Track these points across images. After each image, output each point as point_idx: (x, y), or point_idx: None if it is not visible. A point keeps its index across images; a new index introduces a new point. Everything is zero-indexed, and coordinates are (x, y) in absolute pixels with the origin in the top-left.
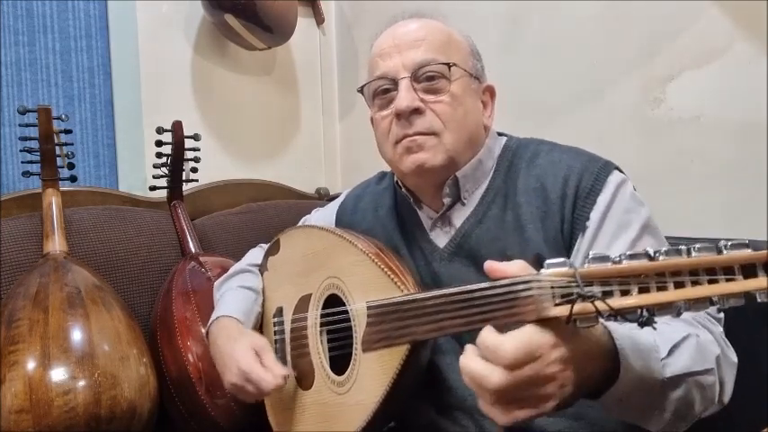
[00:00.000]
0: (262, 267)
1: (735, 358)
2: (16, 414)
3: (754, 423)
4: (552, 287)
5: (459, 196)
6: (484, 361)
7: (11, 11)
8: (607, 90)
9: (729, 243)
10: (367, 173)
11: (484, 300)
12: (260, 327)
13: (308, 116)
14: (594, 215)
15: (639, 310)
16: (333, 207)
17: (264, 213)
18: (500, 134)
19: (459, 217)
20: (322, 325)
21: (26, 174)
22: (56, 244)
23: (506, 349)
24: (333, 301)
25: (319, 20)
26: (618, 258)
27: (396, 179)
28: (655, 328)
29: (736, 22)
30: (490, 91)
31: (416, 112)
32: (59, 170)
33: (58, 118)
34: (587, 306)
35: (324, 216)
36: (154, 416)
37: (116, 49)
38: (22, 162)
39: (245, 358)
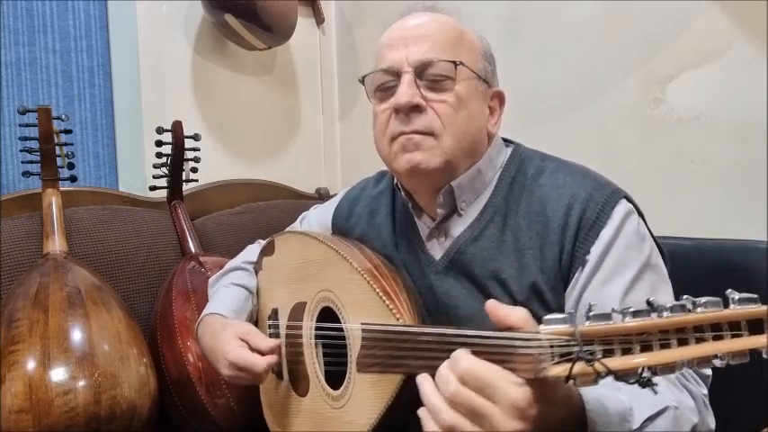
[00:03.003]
0: (257, 266)
1: (713, 424)
2: (16, 414)
3: (754, 423)
4: (552, 346)
5: (455, 207)
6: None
7: (11, 11)
8: (607, 90)
9: (737, 297)
10: (367, 172)
11: (481, 347)
12: (255, 324)
13: (308, 116)
14: (596, 250)
15: (641, 370)
16: (330, 207)
17: (264, 213)
18: (506, 141)
19: (457, 228)
20: (317, 337)
21: (26, 174)
22: (56, 244)
23: (462, 363)
24: (328, 313)
25: (319, 20)
26: (621, 315)
27: (395, 181)
28: (655, 392)
29: (736, 22)
30: (499, 97)
31: (416, 109)
32: (59, 170)
33: (58, 118)
34: (586, 367)
35: (321, 215)
36: (154, 416)
37: (116, 49)
38: (22, 162)
39: (231, 348)
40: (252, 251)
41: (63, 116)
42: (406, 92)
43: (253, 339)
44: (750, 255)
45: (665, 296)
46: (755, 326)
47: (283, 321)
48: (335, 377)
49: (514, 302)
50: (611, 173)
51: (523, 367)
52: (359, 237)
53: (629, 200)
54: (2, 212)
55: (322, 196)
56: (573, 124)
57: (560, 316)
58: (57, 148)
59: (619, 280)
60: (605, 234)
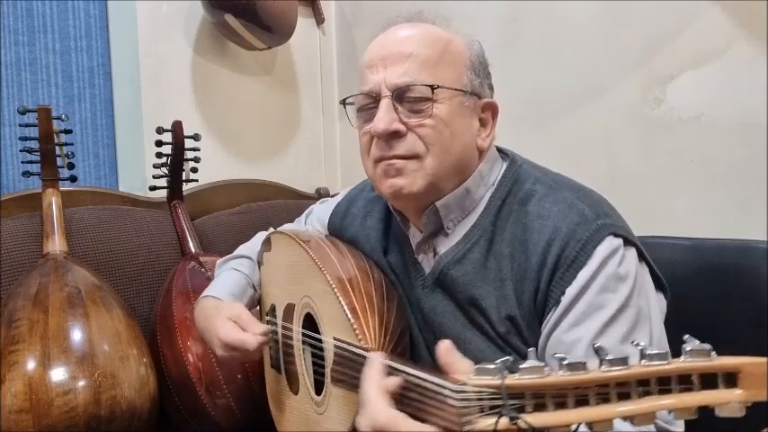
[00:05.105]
0: (259, 258)
1: None
2: (16, 414)
3: (754, 423)
4: (480, 399)
5: (441, 225)
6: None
7: (11, 11)
8: (607, 90)
9: (690, 348)
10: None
11: (420, 390)
12: (258, 316)
13: (308, 116)
14: (571, 291)
15: (575, 426)
16: (330, 206)
17: (264, 213)
18: (502, 152)
19: (443, 246)
20: (304, 343)
21: (26, 174)
22: (56, 244)
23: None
24: (312, 319)
25: (319, 20)
26: (558, 366)
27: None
28: None
29: (736, 22)
30: (491, 108)
31: (396, 134)
32: (59, 170)
33: (58, 118)
34: (510, 424)
35: (323, 211)
36: (154, 416)
37: (116, 49)
38: (22, 162)
39: (224, 329)
40: (259, 239)
41: (63, 116)
42: (384, 118)
43: (244, 321)
44: (750, 255)
45: (643, 340)
46: (708, 380)
47: (279, 321)
48: (321, 381)
49: (494, 331)
50: (612, 173)
51: (450, 418)
52: (351, 237)
53: (618, 234)
54: (2, 212)
55: (322, 196)
56: (573, 124)
57: (491, 366)
58: (57, 148)
59: (589, 324)
60: (582, 275)
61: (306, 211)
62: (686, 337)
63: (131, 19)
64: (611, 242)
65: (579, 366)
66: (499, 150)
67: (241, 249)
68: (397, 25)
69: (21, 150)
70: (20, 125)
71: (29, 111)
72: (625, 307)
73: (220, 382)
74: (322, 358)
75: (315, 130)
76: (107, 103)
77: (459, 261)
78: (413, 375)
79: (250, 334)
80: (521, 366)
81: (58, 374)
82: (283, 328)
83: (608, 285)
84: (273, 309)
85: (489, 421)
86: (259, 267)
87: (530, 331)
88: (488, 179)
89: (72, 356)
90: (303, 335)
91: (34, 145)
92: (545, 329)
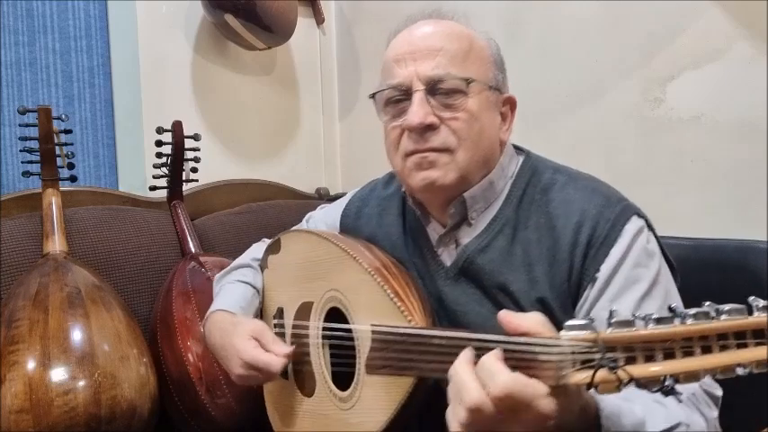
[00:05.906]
0: (262, 264)
1: None
2: (16, 414)
3: (754, 423)
4: (573, 353)
5: (465, 216)
6: (474, 376)
7: (11, 11)
8: (607, 90)
9: (761, 304)
10: (367, 172)
11: (509, 353)
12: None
13: (308, 116)
14: (605, 268)
15: (663, 378)
16: (338, 207)
17: (264, 213)
18: (517, 149)
19: (466, 237)
20: (324, 338)
21: (26, 174)
22: (56, 244)
23: (501, 382)
24: (335, 313)
25: (319, 20)
26: (643, 322)
27: (404, 188)
28: (679, 400)
29: (736, 22)
30: (511, 102)
31: (429, 127)
32: (59, 170)
33: (58, 118)
34: (609, 375)
35: (327, 215)
36: (154, 416)
37: (116, 49)
38: (22, 162)
39: (246, 348)
40: (258, 249)
41: (63, 116)
42: (418, 112)
43: (266, 340)
44: (750, 255)
45: None
46: None
47: (289, 321)
48: (341, 378)
49: None
50: (611, 173)
51: (544, 374)
52: (367, 237)
53: (641, 215)
54: (2, 212)
55: (322, 196)
56: (573, 124)
57: (581, 322)
58: (57, 148)
59: (627, 297)
60: (615, 252)
61: (305, 218)
62: (752, 298)
63: (131, 19)
64: (636, 222)
65: (667, 320)
66: (513, 146)
67: (239, 260)
68: (418, 22)
69: (21, 150)
70: (20, 125)
71: (29, 111)
72: (657, 282)
73: (221, 381)
74: (346, 350)
75: (315, 130)
76: (107, 103)
77: (484, 250)
78: (497, 341)
79: (274, 356)
80: (611, 321)
81: (58, 374)
82: (295, 328)
83: (640, 261)
84: (281, 312)
85: (585, 374)
86: (262, 272)
87: (562, 312)
88: (508, 171)
89: (72, 356)
90: (328, 329)
91: (34, 145)
92: (582, 308)
